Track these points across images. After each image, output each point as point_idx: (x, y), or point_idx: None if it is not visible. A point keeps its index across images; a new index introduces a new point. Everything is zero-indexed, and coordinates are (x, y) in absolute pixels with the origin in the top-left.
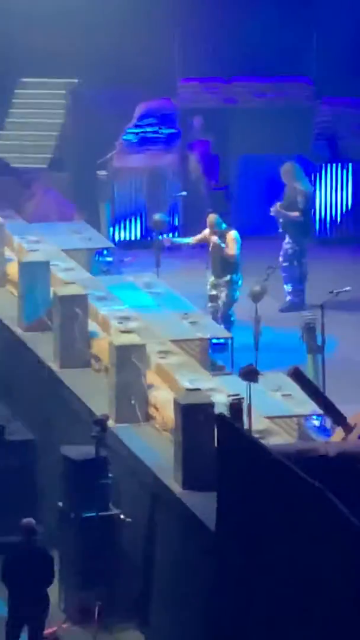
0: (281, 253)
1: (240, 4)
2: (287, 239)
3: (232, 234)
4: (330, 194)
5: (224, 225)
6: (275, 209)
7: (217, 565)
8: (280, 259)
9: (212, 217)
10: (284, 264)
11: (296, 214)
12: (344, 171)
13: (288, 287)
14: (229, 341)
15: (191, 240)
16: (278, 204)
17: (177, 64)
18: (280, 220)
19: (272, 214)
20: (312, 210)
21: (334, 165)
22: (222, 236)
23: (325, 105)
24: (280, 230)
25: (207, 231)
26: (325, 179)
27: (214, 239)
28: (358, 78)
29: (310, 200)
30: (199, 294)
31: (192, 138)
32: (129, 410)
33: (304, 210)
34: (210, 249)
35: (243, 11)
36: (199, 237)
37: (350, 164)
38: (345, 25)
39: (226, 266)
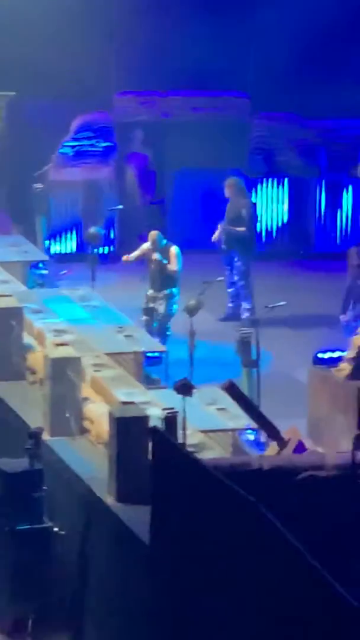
0: (235, 272)
1: (177, 17)
2: (236, 257)
3: (174, 250)
4: (266, 209)
5: (164, 242)
6: (220, 230)
7: (151, 578)
8: (236, 277)
9: (153, 234)
10: (241, 282)
11: (242, 229)
12: (280, 186)
13: (246, 305)
14: (164, 355)
15: (132, 257)
16: (221, 224)
17: (113, 77)
18: (224, 237)
19: (216, 237)
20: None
21: (270, 179)
22: (164, 252)
23: (261, 119)
24: (224, 246)
25: (146, 246)
26: (261, 193)
27: (155, 255)
28: (294, 93)
29: (254, 214)
30: (134, 307)
31: (131, 151)
32: (64, 423)
33: (249, 225)
34: (151, 264)
35: (180, 25)
36: (137, 253)
37: (286, 179)
38: (281, 40)
39: (167, 280)
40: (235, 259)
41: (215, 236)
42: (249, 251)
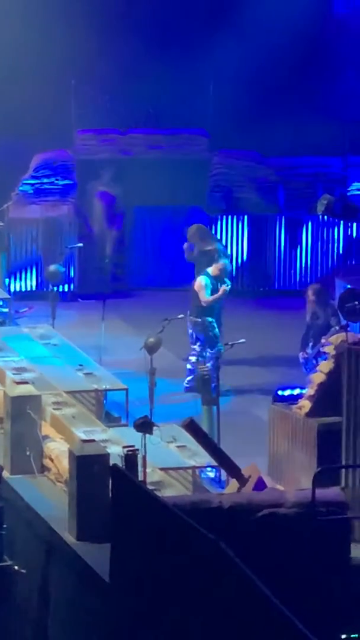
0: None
1: (136, 56)
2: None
3: (199, 280)
4: (225, 246)
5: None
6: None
7: (111, 616)
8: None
9: None
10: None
11: (224, 288)
12: (240, 223)
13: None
14: (124, 393)
15: None
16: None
17: (73, 115)
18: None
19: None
20: None
21: (230, 217)
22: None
23: (220, 157)
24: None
25: None
26: (220, 230)
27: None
28: (253, 130)
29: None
30: (93, 345)
31: (98, 189)
32: (24, 462)
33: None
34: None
35: (140, 63)
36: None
37: (245, 216)
38: (240, 78)
39: (198, 309)
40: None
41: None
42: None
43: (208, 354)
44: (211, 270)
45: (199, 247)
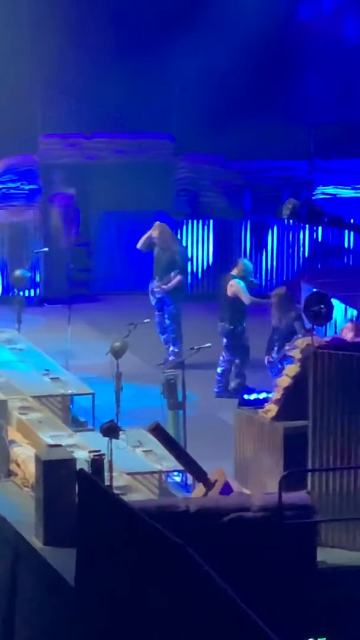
0: (167, 316)
1: (102, 60)
2: (168, 301)
3: (237, 284)
4: (191, 250)
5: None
6: (159, 288)
7: (78, 621)
8: (168, 321)
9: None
10: (173, 326)
11: (178, 278)
12: (205, 227)
13: (174, 348)
14: (90, 397)
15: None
16: (157, 283)
17: (38, 120)
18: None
19: (157, 288)
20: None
21: (195, 221)
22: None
23: (185, 161)
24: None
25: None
26: (186, 235)
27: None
28: (218, 134)
29: (187, 257)
30: (60, 349)
31: (54, 192)
32: None
33: (184, 269)
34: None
35: (105, 68)
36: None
37: (210, 220)
38: (205, 82)
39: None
40: (168, 303)
41: (158, 290)
42: (181, 295)
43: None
44: (237, 272)
45: (161, 245)
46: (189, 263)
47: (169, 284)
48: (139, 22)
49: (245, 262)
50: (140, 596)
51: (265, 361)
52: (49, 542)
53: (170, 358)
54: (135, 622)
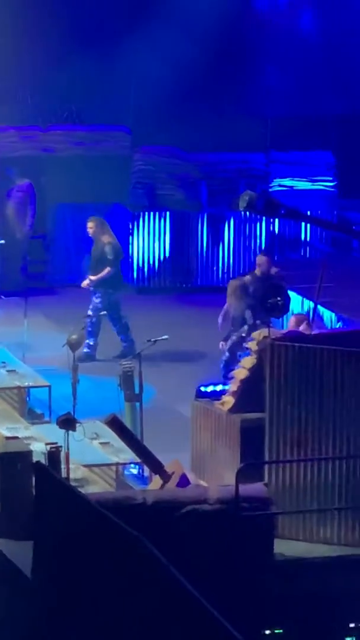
0: (91, 308)
1: (57, 52)
2: (97, 294)
3: None
4: (148, 243)
5: None
6: (86, 282)
7: (34, 613)
8: (90, 313)
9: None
10: (94, 319)
11: (106, 270)
12: (162, 220)
13: (90, 341)
14: (47, 390)
15: None
16: (88, 279)
17: None
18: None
19: (85, 285)
20: (120, 261)
21: (152, 213)
22: None
23: (142, 153)
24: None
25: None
26: (143, 227)
27: None
28: (175, 127)
29: (118, 251)
30: (16, 342)
31: (10, 186)
32: None
33: (113, 262)
34: None
35: (61, 60)
36: None
37: (167, 213)
38: (162, 74)
39: None
40: (96, 296)
41: (84, 284)
42: (111, 289)
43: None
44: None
45: (94, 238)
46: (142, 254)
47: (95, 277)
48: (95, 13)
49: None
50: (96, 588)
51: (220, 347)
52: (5, 534)
53: (85, 350)
54: (91, 614)
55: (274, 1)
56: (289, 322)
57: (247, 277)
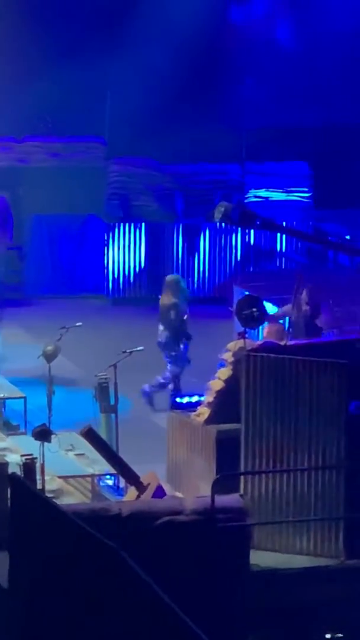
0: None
1: (33, 63)
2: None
3: None
4: (123, 254)
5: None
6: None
7: (9, 624)
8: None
9: None
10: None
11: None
12: (137, 230)
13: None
14: (22, 401)
15: None
16: None
17: None
18: None
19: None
20: None
21: (127, 224)
22: None
23: (117, 164)
24: None
25: None
26: (118, 238)
27: None
28: (150, 138)
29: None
30: None
31: None
32: None
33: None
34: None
35: (36, 71)
36: None
37: (142, 224)
38: (137, 86)
39: None
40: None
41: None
42: None
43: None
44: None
45: None
46: (118, 265)
47: None
48: (71, 25)
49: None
50: (73, 600)
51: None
52: None
53: None
54: (68, 626)
55: (249, 13)
56: (264, 331)
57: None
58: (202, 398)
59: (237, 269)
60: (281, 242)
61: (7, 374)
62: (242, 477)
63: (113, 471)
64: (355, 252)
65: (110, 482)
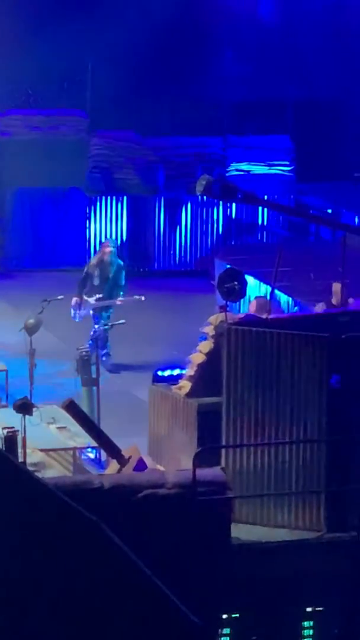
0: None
1: (14, 37)
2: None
3: None
4: (105, 227)
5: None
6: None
7: None
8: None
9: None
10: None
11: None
12: (119, 204)
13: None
14: (4, 374)
15: None
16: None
17: None
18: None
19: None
20: None
21: (109, 197)
22: None
23: (99, 138)
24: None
25: None
26: (100, 211)
27: None
28: (132, 111)
29: None
30: None
31: None
32: None
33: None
34: None
35: (18, 44)
36: None
37: (124, 197)
38: (119, 58)
39: None
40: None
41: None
42: None
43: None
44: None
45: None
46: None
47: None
48: None
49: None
50: (54, 573)
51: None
52: None
53: None
54: (49, 598)
55: None
56: (250, 305)
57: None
58: (184, 371)
59: (219, 242)
60: (263, 215)
61: None
62: (223, 450)
63: (94, 444)
64: (337, 225)
65: (91, 455)
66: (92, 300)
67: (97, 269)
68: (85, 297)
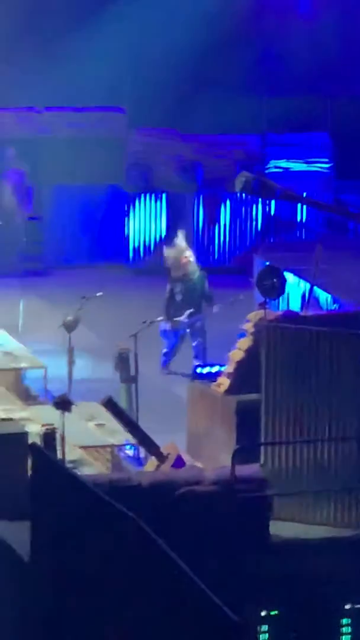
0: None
1: (53, 33)
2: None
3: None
4: (144, 224)
5: None
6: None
7: (31, 595)
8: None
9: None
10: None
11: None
12: (158, 201)
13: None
14: (43, 371)
15: None
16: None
17: None
18: None
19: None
20: None
21: (148, 195)
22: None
23: (138, 135)
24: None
25: None
26: (139, 209)
27: None
28: (171, 108)
29: None
30: (12, 323)
31: (6, 168)
32: None
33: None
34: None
35: (57, 41)
36: None
37: (163, 194)
38: (158, 55)
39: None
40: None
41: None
42: None
43: None
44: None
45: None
46: (139, 236)
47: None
48: None
49: None
50: (93, 569)
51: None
52: (0, 516)
53: None
54: (88, 594)
55: None
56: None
57: None
58: (223, 368)
59: (258, 239)
60: (301, 213)
61: (28, 344)
62: (262, 448)
63: (133, 441)
64: None
65: (130, 453)
66: (183, 318)
67: (180, 284)
68: (175, 319)
